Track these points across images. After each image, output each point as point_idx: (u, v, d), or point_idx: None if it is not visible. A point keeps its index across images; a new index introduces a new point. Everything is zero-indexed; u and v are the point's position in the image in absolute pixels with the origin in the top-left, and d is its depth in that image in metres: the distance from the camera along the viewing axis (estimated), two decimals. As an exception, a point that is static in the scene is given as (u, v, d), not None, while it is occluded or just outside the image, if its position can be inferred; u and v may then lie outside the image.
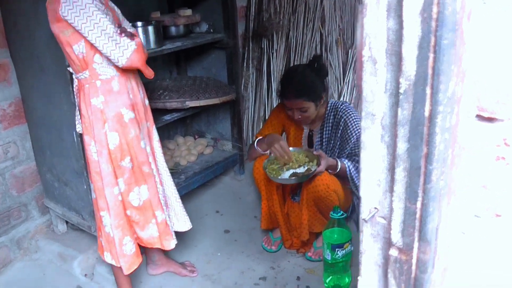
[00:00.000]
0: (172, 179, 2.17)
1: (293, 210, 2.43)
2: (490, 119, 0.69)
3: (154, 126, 2.06)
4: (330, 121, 2.36)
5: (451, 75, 0.59)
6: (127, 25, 1.91)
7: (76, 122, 1.94)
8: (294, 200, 2.49)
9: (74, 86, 1.87)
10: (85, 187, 2.22)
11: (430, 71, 0.59)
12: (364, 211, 0.73)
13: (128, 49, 1.71)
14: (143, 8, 2.77)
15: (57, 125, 2.23)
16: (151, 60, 2.87)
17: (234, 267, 2.39)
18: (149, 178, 1.97)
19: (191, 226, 2.23)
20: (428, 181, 0.64)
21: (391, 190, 0.69)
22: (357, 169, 2.27)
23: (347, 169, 2.24)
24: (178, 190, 2.23)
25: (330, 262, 2.16)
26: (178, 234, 2.17)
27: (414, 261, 0.69)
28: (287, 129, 2.49)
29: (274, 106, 3.30)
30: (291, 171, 2.25)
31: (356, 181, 2.27)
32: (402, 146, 0.65)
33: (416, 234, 0.67)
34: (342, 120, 2.29)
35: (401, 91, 0.62)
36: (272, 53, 3.33)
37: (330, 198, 2.20)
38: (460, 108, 0.65)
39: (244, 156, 3.14)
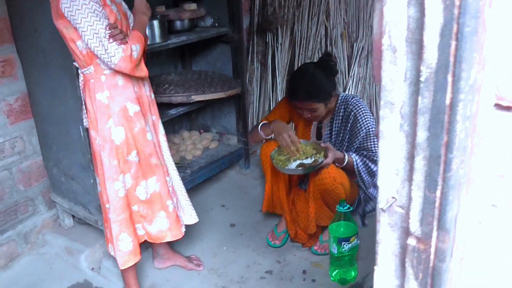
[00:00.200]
0: (178, 173, 2.18)
1: (299, 198, 2.44)
2: (508, 108, 0.69)
3: (160, 120, 2.07)
4: (340, 114, 2.36)
5: (473, 62, 0.59)
6: (130, 16, 1.92)
7: (83, 117, 1.94)
8: (301, 188, 2.49)
9: (80, 81, 1.87)
10: (91, 181, 2.22)
11: (452, 59, 0.59)
12: (382, 201, 0.73)
13: (115, 56, 1.69)
14: (148, 2, 2.75)
15: (63, 119, 2.23)
16: (156, 54, 2.89)
17: (240, 260, 2.40)
18: (158, 169, 1.98)
19: (198, 220, 2.23)
20: (448, 169, 0.64)
21: (409, 179, 0.69)
22: (365, 164, 2.27)
23: (355, 163, 2.24)
24: (184, 184, 2.23)
25: (336, 255, 2.17)
26: (185, 226, 2.18)
27: (432, 250, 0.69)
28: (296, 120, 2.49)
29: (279, 100, 3.29)
30: (298, 161, 2.26)
31: (363, 175, 2.28)
32: (422, 135, 0.64)
33: (435, 223, 0.67)
34: (352, 113, 2.29)
35: (421, 79, 0.62)
36: (277, 47, 3.32)
37: (337, 191, 2.20)
38: (480, 96, 0.65)
39: (250, 150, 3.14)
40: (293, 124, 2.58)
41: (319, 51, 3.36)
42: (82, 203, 2.38)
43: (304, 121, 2.45)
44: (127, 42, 1.72)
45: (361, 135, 2.27)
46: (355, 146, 2.30)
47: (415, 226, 0.70)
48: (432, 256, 0.69)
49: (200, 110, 3.17)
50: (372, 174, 2.30)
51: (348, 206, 2.15)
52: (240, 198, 2.96)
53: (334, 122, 2.38)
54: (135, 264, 2.02)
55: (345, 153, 2.25)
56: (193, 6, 2.71)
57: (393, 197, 0.72)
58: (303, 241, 2.45)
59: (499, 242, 0.78)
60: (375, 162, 2.29)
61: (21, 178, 2.41)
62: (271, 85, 3.39)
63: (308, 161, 2.25)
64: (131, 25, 1.89)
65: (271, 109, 3.40)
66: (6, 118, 2.29)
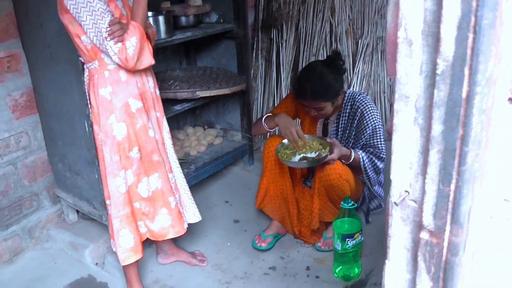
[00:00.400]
0: (181, 171, 2.16)
1: (303, 196, 2.43)
2: (522, 102, 0.68)
3: (164, 117, 2.06)
4: (347, 111, 2.35)
5: (490, 55, 0.59)
6: None
7: (87, 112, 1.94)
8: (306, 185, 2.49)
9: (85, 76, 1.87)
10: (96, 176, 2.22)
11: (469, 52, 0.59)
12: (394, 195, 0.73)
13: (115, 54, 1.69)
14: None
15: (68, 114, 2.23)
16: (161, 50, 2.89)
17: (243, 256, 2.40)
18: (160, 166, 1.97)
19: (201, 218, 2.22)
20: (463, 163, 0.63)
21: (423, 172, 0.68)
22: (371, 161, 2.26)
23: (361, 160, 2.24)
24: (188, 180, 2.23)
25: (340, 252, 2.17)
26: (188, 224, 2.17)
27: (445, 244, 0.69)
28: (302, 116, 2.48)
29: (283, 97, 3.29)
30: (303, 155, 2.25)
31: (369, 172, 2.27)
32: (437, 128, 0.64)
33: (449, 217, 0.67)
34: (359, 110, 2.28)
35: (438, 72, 0.62)
36: (282, 44, 3.32)
37: (342, 187, 2.20)
38: (496, 90, 0.65)
39: (254, 147, 3.14)
40: (299, 120, 2.58)
41: (324, 48, 3.36)
42: (87, 198, 2.38)
43: (311, 117, 2.45)
44: (127, 36, 1.69)
45: (368, 132, 2.27)
46: (361, 143, 2.30)
47: (428, 220, 0.70)
48: (445, 250, 0.69)
49: (205, 106, 3.17)
50: (378, 171, 2.29)
51: (352, 202, 2.15)
52: (244, 194, 2.96)
53: (341, 118, 2.38)
54: (137, 260, 2.02)
55: (351, 149, 2.25)
56: (198, 2, 2.71)
57: (406, 191, 0.72)
58: (306, 238, 2.44)
59: (510, 236, 0.78)
60: (381, 159, 2.28)
61: (26, 173, 2.41)
62: (276, 82, 3.38)
63: (312, 155, 2.25)
64: None
65: (275, 106, 3.40)
66: (12, 113, 2.29)
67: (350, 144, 2.35)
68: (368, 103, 2.29)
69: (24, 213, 2.44)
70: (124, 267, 2.05)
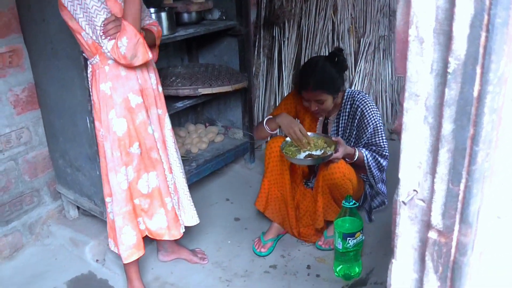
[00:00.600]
0: (182, 172, 2.13)
1: (305, 197, 2.43)
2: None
3: (167, 115, 2.04)
4: (347, 110, 2.35)
5: (502, 54, 0.59)
6: (144, 9, 1.90)
7: (89, 108, 1.94)
8: (307, 186, 2.49)
9: (89, 71, 1.87)
10: (97, 173, 2.21)
11: (481, 50, 0.58)
12: (403, 194, 0.73)
13: (108, 52, 1.70)
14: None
15: (70, 110, 2.22)
16: (163, 47, 2.87)
17: (244, 254, 2.40)
18: (158, 165, 1.96)
19: (199, 221, 2.20)
20: (474, 162, 0.63)
21: (432, 172, 0.68)
22: (375, 158, 2.27)
23: (365, 158, 2.24)
24: (189, 178, 2.22)
25: (341, 251, 2.17)
26: (186, 226, 2.17)
27: (454, 243, 0.69)
28: (302, 115, 2.48)
29: (285, 95, 3.29)
30: (307, 153, 2.25)
31: (373, 170, 2.27)
32: (447, 127, 0.64)
33: (458, 217, 0.67)
34: (359, 109, 2.28)
35: (449, 70, 0.61)
36: (284, 41, 3.31)
37: (345, 186, 2.20)
38: (507, 89, 0.64)
39: (255, 144, 3.14)
40: (298, 120, 2.57)
41: (326, 46, 3.35)
42: (88, 194, 2.38)
43: (311, 117, 2.44)
44: (119, 34, 1.68)
45: (369, 131, 2.27)
46: (363, 142, 2.30)
47: (436, 219, 0.69)
48: (453, 250, 0.69)
49: (206, 103, 3.16)
50: (382, 169, 2.30)
51: (354, 201, 2.15)
52: (245, 192, 2.96)
53: (341, 118, 2.38)
54: (138, 258, 2.02)
55: (355, 148, 2.24)
56: (201, -2, 2.70)
57: (414, 190, 0.71)
58: (307, 238, 2.44)
59: (518, 237, 0.78)
60: (384, 157, 2.28)
61: (27, 168, 2.41)
62: (277, 80, 3.38)
63: (317, 152, 2.24)
64: (145, 11, 1.89)
65: (277, 103, 3.39)
66: (13, 109, 2.29)
67: (351, 144, 2.35)
68: (367, 102, 2.29)
69: (25, 209, 2.44)
70: (125, 264, 2.05)
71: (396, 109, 3.67)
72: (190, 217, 2.17)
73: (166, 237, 2.05)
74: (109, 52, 1.69)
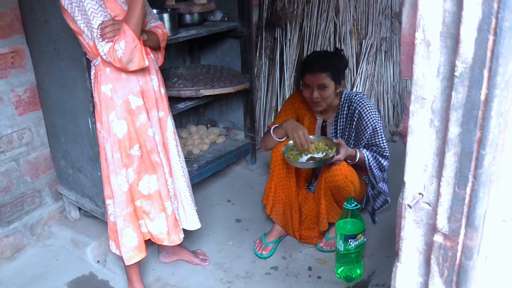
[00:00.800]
0: (184, 175, 2.11)
1: (307, 201, 2.43)
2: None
3: (169, 117, 2.02)
4: (345, 112, 2.35)
5: (510, 58, 0.58)
6: (150, 12, 1.90)
7: (91, 110, 1.93)
8: (309, 190, 2.49)
9: (92, 73, 1.86)
10: (99, 173, 2.21)
11: (489, 54, 0.58)
12: (408, 197, 0.73)
13: (104, 55, 1.69)
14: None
15: (72, 111, 2.22)
16: (165, 48, 2.87)
17: (245, 256, 2.40)
18: (158, 168, 1.94)
19: (200, 226, 2.19)
20: (480, 166, 0.63)
21: (438, 175, 0.68)
22: (375, 159, 2.27)
23: (366, 159, 2.24)
24: (191, 179, 2.21)
25: (342, 252, 2.16)
26: (188, 229, 2.16)
27: (459, 247, 0.68)
28: (301, 119, 2.48)
29: (287, 96, 3.28)
30: (309, 155, 2.24)
31: (375, 170, 2.27)
32: (454, 131, 0.64)
33: (464, 220, 0.67)
34: (357, 111, 2.28)
35: (456, 74, 0.61)
36: (285, 43, 3.31)
37: (347, 188, 2.20)
38: (513, 93, 0.64)
39: (256, 146, 3.13)
40: (290, 119, 2.56)
41: (328, 48, 3.35)
42: (89, 195, 2.38)
43: (309, 119, 2.44)
44: (118, 37, 1.67)
45: (368, 132, 2.27)
46: (363, 144, 2.30)
47: (442, 223, 0.69)
48: (459, 254, 0.69)
49: (208, 104, 3.16)
50: (383, 169, 2.30)
51: (355, 203, 2.15)
52: (246, 193, 2.96)
53: (339, 120, 2.38)
54: (140, 260, 2.01)
55: (356, 149, 2.24)
56: (203, 0, 2.70)
57: (420, 193, 0.71)
58: (308, 240, 2.44)
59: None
60: (385, 157, 2.29)
61: (29, 169, 2.40)
62: (279, 81, 3.37)
63: (319, 155, 2.24)
64: (151, 13, 1.89)
65: (279, 105, 3.39)
66: (15, 109, 2.29)
67: (351, 146, 2.35)
68: (365, 103, 2.29)
69: (26, 210, 2.43)
70: (126, 266, 2.04)
71: (397, 111, 3.67)
72: (192, 221, 2.16)
73: (165, 243, 2.04)
74: (105, 54, 1.68)
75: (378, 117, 2.29)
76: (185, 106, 2.58)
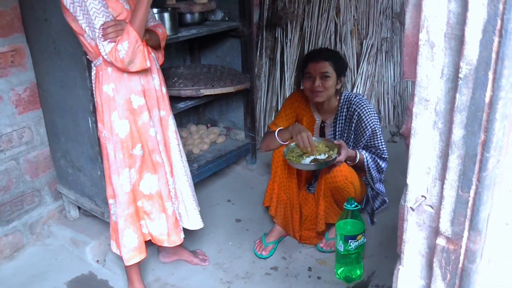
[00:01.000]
0: (186, 175, 2.10)
1: (307, 202, 2.42)
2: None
3: (171, 116, 2.02)
4: (344, 113, 2.35)
5: (515, 60, 0.58)
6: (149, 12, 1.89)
7: (91, 109, 1.93)
8: (309, 191, 2.48)
9: (93, 74, 1.86)
10: (99, 173, 2.21)
11: (494, 56, 0.57)
12: (411, 199, 0.72)
13: (106, 55, 1.69)
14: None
15: (72, 110, 2.21)
16: (165, 47, 2.87)
17: (245, 256, 2.39)
18: (160, 168, 1.94)
19: (202, 225, 2.18)
20: (484, 169, 0.62)
21: (441, 178, 0.67)
22: (374, 160, 2.27)
23: (365, 160, 2.24)
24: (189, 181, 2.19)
25: (342, 253, 2.16)
26: (189, 229, 2.16)
27: (462, 251, 0.68)
28: (300, 118, 2.47)
29: (287, 96, 3.27)
30: (312, 157, 2.23)
31: (373, 172, 2.27)
32: (458, 133, 0.63)
33: (467, 223, 0.66)
34: (356, 113, 2.28)
35: (461, 75, 0.60)
36: (286, 43, 3.30)
37: (348, 189, 2.20)
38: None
39: (257, 146, 3.13)
40: (296, 122, 2.56)
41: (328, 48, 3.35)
42: (89, 195, 2.37)
43: (308, 120, 2.43)
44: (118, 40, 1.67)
45: (367, 134, 2.27)
46: (362, 145, 2.30)
47: (445, 226, 0.68)
48: (461, 257, 0.68)
49: (208, 104, 3.16)
50: (381, 171, 2.30)
51: (355, 204, 2.14)
52: (246, 193, 2.95)
53: (338, 121, 2.37)
54: (139, 260, 2.00)
55: (356, 150, 2.24)
56: (204, -1, 2.69)
57: (422, 196, 0.71)
58: (309, 241, 2.43)
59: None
60: (384, 159, 2.29)
61: (28, 168, 2.40)
62: (280, 81, 3.37)
63: (322, 156, 2.23)
64: (149, 13, 1.87)
65: (279, 104, 3.38)
66: (15, 108, 2.28)
67: (350, 147, 2.34)
68: (364, 105, 2.29)
69: (26, 209, 2.43)
70: (126, 267, 2.04)
71: (398, 111, 3.66)
72: (194, 221, 2.15)
73: (165, 244, 2.04)
74: (106, 54, 1.68)
75: (377, 119, 2.29)
76: (185, 106, 2.58)
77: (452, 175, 0.65)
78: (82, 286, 2.23)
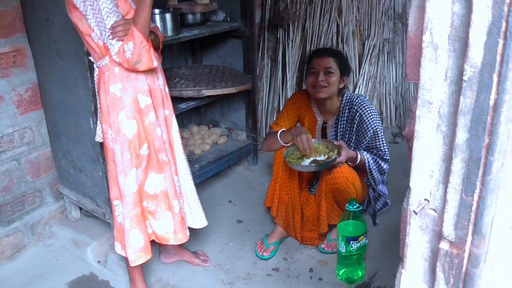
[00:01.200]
0: (189, 173, 2.11)
1: (308, 203, 2.42)
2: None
3: (174, 115, 2.03)
4: (345, 114, 2.34)
5: (520, 62, 0.57)
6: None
7: (97, 130, 1.92)
8: (311, 193, 2.48)
9: (95, 75, 1.85)
10: (100, 173, 2.21)
11: (498, 58, 0.57)
12: (414, 203, 0.71)
13: (114, 54, 1.70)
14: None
15: (73, 111, 2.21)
16: (167, 48, 2.87)
17: (246, 257, 2.39)
18: (166, 167, 1.94)
19: (206, 224, 2.18)
20: (488, 172, 0.61)
21: (445, 181, 0.67)
22: (375, 161, 2.26)
23: (366, 161, 2.23)
24: (192, 179, 2.20)
25: (344, 254, 2.15)
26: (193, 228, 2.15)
27: (466, 255, 0.67)
28: (302, 119, 2.47)
29: (289, 97, 3.27)
30: (312, 159, 2.22)
31: (374, 173, 2.27)
32: (462, 136, 0.62)
33: (471, 228, 0.65)
34: (358, 114, 2.27)
35: (465, 78, 0.60)
36: (288, 43, 3.30)
37: (349, 190, 2.19)
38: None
39: (258, 146, 3.12)
40: (299, 123, 2.55)
41: (330, 49, 3.34)
42: (90, 195, 2.37)
43: (310, 120, 2.43)
44: (127, 38, 1.68)
45: (369, 135, 2.26)
46: (363, 146, 2.29)
47: (448, 229, 0.68)
48: (465, 261, 0.67)
49: (209, 104, 3.15)
50: (383, 172, 2.29)
51: (357, 205, 2.14)
52: (247, 194, 2.95)
53: (339, 122, 2.36)
54: (145, 261, 2.00)
55: (357, 151, 2.23)
56: (206, 0, 2.69)
57: (425, 199, 0.70)
58: (310, 242, 2.43)
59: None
60: (385, 160, 2.28)
61: (30, 169, 2.39)
62: (281, 82, 3.36)
63: (322, 158, 2.22)
64: None
65: (281, 105, 3.38)
66: (16, 108, 2.28)
67: (351, 148, 2.33)
68: (366, 106, 2.28)
69: (27, 209, 2.43)
70: (129, 266, 2.04)
71: (400, 112, 3.65)
72: (198, 219, 2.16)
73: (172, 242, 2.03)
74: (115, 54, 1.69)
75: (379, 120, 2.28)
76: (186, 106, 2.57)
77: (456, 179, 0.65)
78: (83, 286, 2.22)
